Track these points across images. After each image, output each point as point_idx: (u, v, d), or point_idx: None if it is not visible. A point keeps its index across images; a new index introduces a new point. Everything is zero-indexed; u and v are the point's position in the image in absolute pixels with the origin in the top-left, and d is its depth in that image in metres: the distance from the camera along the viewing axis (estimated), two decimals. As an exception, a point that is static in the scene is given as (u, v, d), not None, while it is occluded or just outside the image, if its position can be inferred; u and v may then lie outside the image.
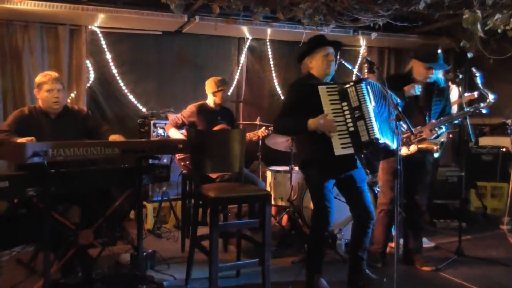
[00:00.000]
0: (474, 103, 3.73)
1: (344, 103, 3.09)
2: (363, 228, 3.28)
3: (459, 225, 4.22)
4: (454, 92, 4.83)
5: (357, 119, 3.06)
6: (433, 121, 3.58)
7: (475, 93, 5.06)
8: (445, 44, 5.85)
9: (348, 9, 4.44)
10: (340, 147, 3.04)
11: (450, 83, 4.64)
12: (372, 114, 3.05)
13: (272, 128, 4.53)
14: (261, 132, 4.54)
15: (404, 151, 3.58)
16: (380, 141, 3.05)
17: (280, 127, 3.33)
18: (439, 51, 3.55)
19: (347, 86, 3.10)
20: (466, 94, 3.78)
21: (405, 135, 3.52)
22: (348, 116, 3.07)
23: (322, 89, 3.08)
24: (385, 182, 3.79)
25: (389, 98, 3.06)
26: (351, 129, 3.06)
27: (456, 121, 3.72)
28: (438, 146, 3.54)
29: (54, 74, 3.48)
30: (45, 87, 3.39)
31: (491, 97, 3.57)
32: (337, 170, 3.22)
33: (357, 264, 3.34)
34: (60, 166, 2.90)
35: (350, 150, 3.06)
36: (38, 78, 3.44)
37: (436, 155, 3.58)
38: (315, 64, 3.25)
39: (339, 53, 3.39)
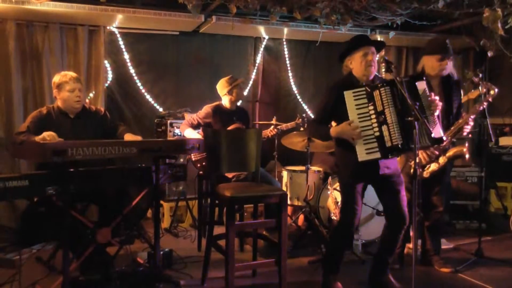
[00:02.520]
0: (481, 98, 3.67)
1: (371, 107, 3.04)
2: (395, 233, 3.23)
3: (478, 226, 4.16)
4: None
5: (381, 124, 3.02)
6: (452, 129, 3.54)
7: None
8: (465, 43, 5.78)
9: (366, 8, 4.40)
10: (365, 153, 3.01)
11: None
12: (395, 119, 3.01)
13: (281, 127, 4.52)
14: (270, 131, 4.52)
15: (434, 166, 3.56)
16: (404, 147, 3.00)
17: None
18: (447, 41, 3.55)
19: (373, 89, 3.05)
20: (473, 90, 3.75)
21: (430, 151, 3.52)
22: (374, 120, 3.04)
23: (348, 94, 3.05)
24: None
25: (421, 98, 3.04)
26: (377, 134, 3.03)
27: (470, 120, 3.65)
28: (466, 149, 3.50)
29: (73, 74, 3.52)
30: (66, 87, 3.42)
31: (495, 89, 3.59)
32: (368, 174, 3.17)
33: (381, 266, 3.31)
34: (79, 165, 2.95)
35: (376, 155, 3.02)
36: (58, 78, 3.46)
37: (467, 157, 3.53)
38: (354, 65, 3.18)
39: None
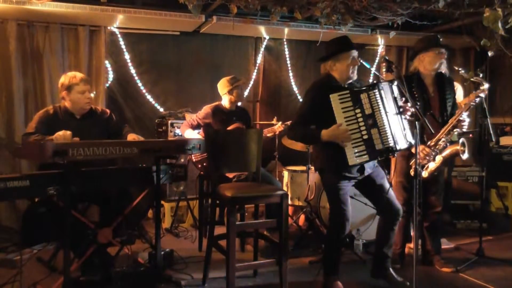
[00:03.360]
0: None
1: (358, 110, 3.05)
2: (390, 225, 3.27)
3: (479, 226, 4.16)
4: (460, 92, 4.77)
5: (370, 126, 3.04)
6: (445, 127, 3.54)
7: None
8: (465, 43, 5.78)
9: (366, 7, 4.40)
10: (354, 157, 3.02)
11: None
12: (386, 121, 3.03)
13: (288, 122, 4.52)
14: (278, 127, 4.51)
15: (432, 166, 3.55)
16: (395, 149, 3.03)
17: (294, 136, 3.32)
18: (438, 35, 3.65)
19: (360, 92, 3.06)
20: (474, 91, 3.76)
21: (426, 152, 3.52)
22: (362, 123, 3.04)
23: (333, 97, 3.03)
24: (398, 183, 3.76)
25: (408, 98, 3.03)
26: (365, 137, 3.04)
27: (465, 115, 3.62)
28: (460, 147, 3.49)
29: (82, 75, 3.51)
30: (77, 89, 3.41)
31: (486, 85, 3.57)
32: (353, 176, 3.19)
33: (381, 261, 3.33)
34: (80, 165, 2.95)
35: (365, 158, 3.04)
36: (68, 80, 3.43)
37: (465, 156, 3.53)
38: (339, 67, 3.18)
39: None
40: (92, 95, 4.99)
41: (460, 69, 3.67)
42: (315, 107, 3.15)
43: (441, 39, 3.65)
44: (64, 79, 3.46)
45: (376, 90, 3.05)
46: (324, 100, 3.05)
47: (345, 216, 3.18)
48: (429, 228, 3.82)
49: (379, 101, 3.04)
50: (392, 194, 3.28)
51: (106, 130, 3.58)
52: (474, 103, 3.58)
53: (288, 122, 4.49)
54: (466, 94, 4.97)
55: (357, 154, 3.02)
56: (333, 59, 3.21)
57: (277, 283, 3.25)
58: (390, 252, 3.34)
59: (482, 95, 3.60)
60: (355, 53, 3.19)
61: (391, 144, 3.02)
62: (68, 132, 3.07)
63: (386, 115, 3.04)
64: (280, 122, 4.55)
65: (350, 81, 3.22)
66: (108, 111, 3.74)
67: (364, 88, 3.09)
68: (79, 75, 3.48)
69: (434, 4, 4.19)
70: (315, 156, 3.41)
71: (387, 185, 3.27)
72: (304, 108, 3.23)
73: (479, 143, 5.84)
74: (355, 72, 3.20)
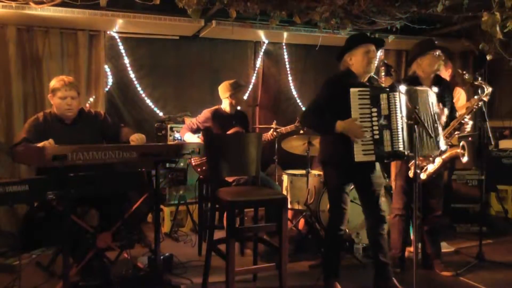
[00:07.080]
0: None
1: (374, 109, 3.04)
2: (377, 231, 3.26)
3: (479, 229, 4.15)
4: (463, 97, 4.78)
5: (384, 127, 3.03)
6: (446, 129, 3.55)
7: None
8: (464, 47, 5.79)
9: (365, 12, 4.41)
10: (362, 154, 3.02)
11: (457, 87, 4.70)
12: (400, 125, 3.02)
13: (280, 130, 4.52)
14: (270, 134, 4.52)
15: (431, 168, 3.55)
16: (403, 154, 3.02)
17: (307, 122, 3.39)
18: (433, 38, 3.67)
19: (380, 92, 3.06)
20: (475, 97, 3.76)
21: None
22: (376, 123, 3.04)
23: (353, 92, 3.04)
24: (399, 187, 3.76)
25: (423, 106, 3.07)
26: (376, 137, 3.03)
27: (466, 118, 3.63)
28: (460, 150, 3.49)
29: (68, 79, 3.43)
30: (58, 94, 3.36)
31: (489, 89, 3.58)
32: (356, 174, 3.20)
33: (382, 270, 3.30)
34: (79, 170, 2.94)
35: (371, 158, 3.03)
36: (53, 83, 3.41)
37: (465, 159, 3.53)
38: (355, 61, 3.19)
39: (382, 52, 3.35)
40: (91, 99, 5.06)
41: (464, 72, 3.67)
42: (331, 99, 3.15)
43: (436, 42, 3.66)
44: (52, 81, 3.44)
45: (397, 93, 3.03)
46: (340, 93, 3.06)
47: (344, 214, 3.23)
48: (429, 232, 3.81)
49: (398, 103, 3.03)
50: (380, 201, 3.26)
51: (100, 134, 3.54)
52: (476, 107, 3.58)
53: (282, 129, 4.51)
54: (468, 97, 4.98)
55: (364, 152, 3.02)
56: (348, 54, 3.23)
57: (277, 287, 3.24)
58: (387, 258, 3.30)
59: (485, 99, 3.61)
60: (372, 47, 3.18)
61: (401, 149, 3.00)
62: (52, 142, 3.04)
63: (402, 120, 3.03)
64: (272, 130, 4.55)
65: (368, 76, 3.22)
66: (102, 113, 3.69)
67: (387, 89, 3.08)
68: (66, 79, 3.40)
69: (432, 8, 4.21)
70: (321, 148, 3.40)
71: (379, 193, 3.26)
72: (320, 98, 3.24)
73: (478, 147, 5.84)
74: (372, 65, 3.18)
